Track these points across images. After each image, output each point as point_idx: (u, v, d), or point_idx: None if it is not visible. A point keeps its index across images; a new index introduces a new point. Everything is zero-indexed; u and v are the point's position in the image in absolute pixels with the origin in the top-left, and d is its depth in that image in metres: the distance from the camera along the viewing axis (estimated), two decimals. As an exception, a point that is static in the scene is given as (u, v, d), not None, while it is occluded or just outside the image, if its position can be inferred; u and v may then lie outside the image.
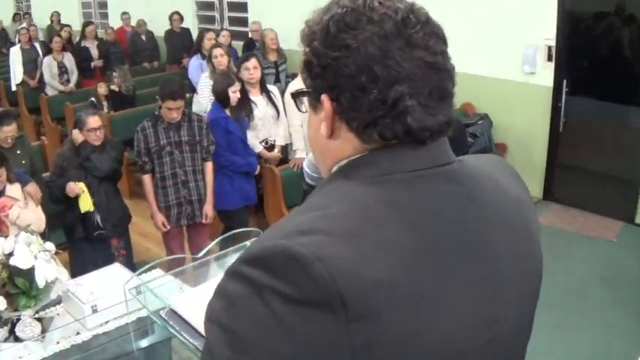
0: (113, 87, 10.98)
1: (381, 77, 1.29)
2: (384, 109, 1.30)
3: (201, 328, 2.10)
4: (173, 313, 2.22)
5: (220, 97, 6.77)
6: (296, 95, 1.53)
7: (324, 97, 1.36)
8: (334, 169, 1.44)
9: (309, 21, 1.44)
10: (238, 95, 6.75)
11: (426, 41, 1.33)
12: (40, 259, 3.46)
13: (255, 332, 1.19)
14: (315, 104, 1.43)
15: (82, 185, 6.00)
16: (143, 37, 15.08)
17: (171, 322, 2.18)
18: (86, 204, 6.04)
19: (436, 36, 1.36)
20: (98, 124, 6.08)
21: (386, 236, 1.24)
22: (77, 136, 6.09)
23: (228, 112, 6.75)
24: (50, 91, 12.68)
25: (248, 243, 2.85)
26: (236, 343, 1.21)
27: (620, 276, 6.76)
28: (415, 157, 1.35)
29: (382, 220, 1.26)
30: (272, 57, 10.75)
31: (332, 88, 1.35)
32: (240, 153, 6.79)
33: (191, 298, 2.32)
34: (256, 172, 7.07)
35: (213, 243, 2.80)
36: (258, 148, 7.31)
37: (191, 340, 2.09)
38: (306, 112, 1.49)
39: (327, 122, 1.39)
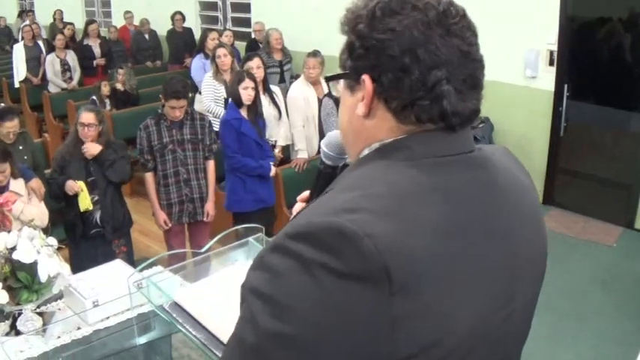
0: (118, 86, 10.99)
1: (422, 60, 1.37)
2: (423, 90, 1.38)
3: (204, 321, 2.13)
4: (176, 306, 2.23)
5: (233, 96, 6.75)
6: (332, 78, 1.59)
7: (366, 77, 1.43)
8: (365, 151, 1.51)
9: (351, 7, 1.50)
10: (250, 93, 6.64)
11: (463, 32, 1.42)
12: (42, 253, 3.49)
13: (300, 303, 1.24)
14: (353, 85, 1.49)
15: (81, 184, 6.00)
16: (146, 36, 15.11)
17: (174, 315, 2.20)
18: (85, 203, 6.05)
19: (470, 29, 1.45)
20: (90, 121, 6.02)
21: (424, 216, 1.31)
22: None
23: (243, 112, 6.68)
24: (53, 89, 12.72)
25: (251, 239, 2.88)
26: (280, 313, 1.26)
27: (620, 280, 6.77)
28: (446, 144, 1.44)
29: (420, 200, 1.34)
30: (277, 56, 10.81)
31: (373, 68, 1.42)
32: (254, 155, 6.71)
33: (194, 292, 2.33)
34: (271, 174, 6.90)
35: (215, 240, 2.82)
36: None
37: (194, 333, 2.11)
38: (338, 95, 1.56)
39: (367, 101, 1.44)
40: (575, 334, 5.80)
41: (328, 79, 1.61)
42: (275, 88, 7.84)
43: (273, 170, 6.83)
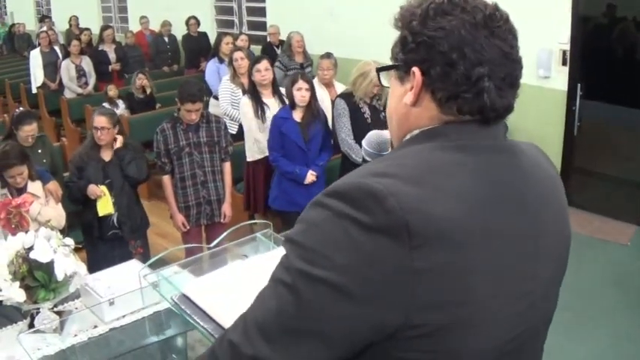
0: (135, 91, 11.06)
1: (468, 57, 1.52)
2: (467, 84, 1.53)
3: (213, 313, 2.18)
4: (185, 298, 2.28)
5: (288, 97, 6.76)
6: (385, 68, 1.74)
7: (416, 69, 1.58)
8: (407, 137, 1.66)
9: (405, 5, 1.65)
10: (304, 94, 6.62)
11: (505, 35, 1.57)
12: (59, 253, 3.54)
13: (329, 248, 1.40)
14: (403, 76, 1.64)
15: (103, 188, 6.07)
16: (166, 39, 15.16)
17: (182, 307, 2.24)
18: (106, 207, 6.10)
19: (512, 32, 1.60)
20: (102, 124, 6.08)
21: (448, 186, 1.45)
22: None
23: (296, 113, 6.68)
24: (68, 94, 12.80)
25: (259, 235, 2.93)
26: (313, 258, 1.41)
27: (633, 279, 6.74)
28: (479, 134, 1.58)
29: (446, 173, 1.48)
30: (298, 59, 10.87)
31: (423, 61, 1.57)
32: (295, 158, 6.72)
33: (203, 285, 2.38)
34: (306, 182, 6.74)
35: (225, 235, 2.86)
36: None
37: (202, 324, 2.15)
38: (387, 87, 1.73)
39: (416, 90, 1.59)
40: (589, 333, 5.79)
41: (380, 70, 1.76)
42: (284, 90, 7.80)
43: (309, 178, 6.73)
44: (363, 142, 2.08)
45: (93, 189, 6.04)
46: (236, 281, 2.37)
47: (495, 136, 1.62)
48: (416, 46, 1.57)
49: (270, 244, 2.90)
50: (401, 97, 1.64)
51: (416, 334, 1.40)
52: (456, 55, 1.52)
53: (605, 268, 7.03)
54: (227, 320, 2.05)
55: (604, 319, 6.03)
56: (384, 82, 1.76)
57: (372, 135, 2.06)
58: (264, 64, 7.48)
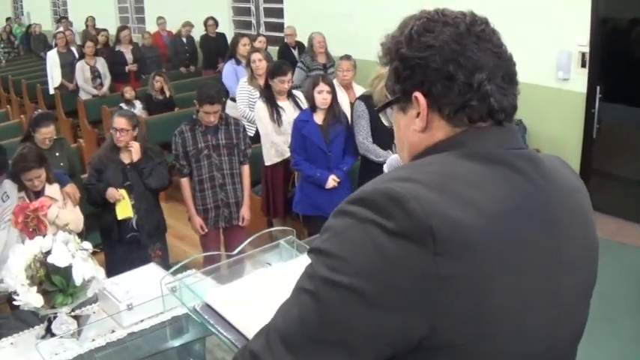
0: (154, 93, 11.04)
1: (464, 66, 1.54)
2: (471, 92, 1.54)
3: (236, 323, 2.16)
4: (207, 307, 2.26)
5: (308, 100, 6.75)
6: (385, 106, 1.77)
7: (417, 94, 1.58)
8: (423, 149, 1.64)
9: (386, 39, 1.68)
10: (325, 97, 6.57)
11: (490, 36, 1.60)
12: (77, 257, 3.53)
13: (355, 256, 1.38)
14: (404, 106, 1.65)
15: (123, 192, 6.07)
16: (184, 40, 15.19)
17: (205, 317, 2.23)
18: (125, 211, 6.11)
19: (495, 32, 1.63)
20: (122, 125, 6.09)
21: (471, 194, 1.44)
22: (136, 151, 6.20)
23: (317, 116, 6.64)
24: (84, 96, 12.84)
25: (282, 242, 2.90)
26: (337, 265, 1.39)
27: (652, 283, 6.72)
28: (496, 138, 1.58)
29: (470, 182, 1.46)
30: (320, 59, 10.88)
31: (422, 84, 1.58)
32: (317, 161, 6.68)
33: (226, 294, 2.36)
34: (328, 186, 6.66)
35: (248, 241, 2.83)
36: (288, 152, 7.18)
37: (225, 334, 2.13)
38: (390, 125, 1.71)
39: (423, 114, 1.59)
40: (608, 336, 5.76)
41: (380, 109, 1.78)
42: (298, 93, 7.77)
43: (330, 183, 6.65)
44: (385, 167, 2.07)
45: (112, 192, 6.06)
46: (259, 290, 2.35)
47: (515, 141, 1.62)
48: (411, 72, 1.59)
49: (293, 252, 2.86)
50: (408, 126, 1.65)
51: (440, 344, 1.38)
52: (452, 67, 1.53)
53: (622, 271, 6.98)
54: (250, 330, 2.03)
55: (622, 322, 5.99)
56: (385, 122, 1.79)
57: (394, 159, 2.05)
58: (289, 76, 7.45)
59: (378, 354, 1.40)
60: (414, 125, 1.62)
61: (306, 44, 11.55)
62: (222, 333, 2.15)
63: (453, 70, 1.53)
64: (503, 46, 1.62)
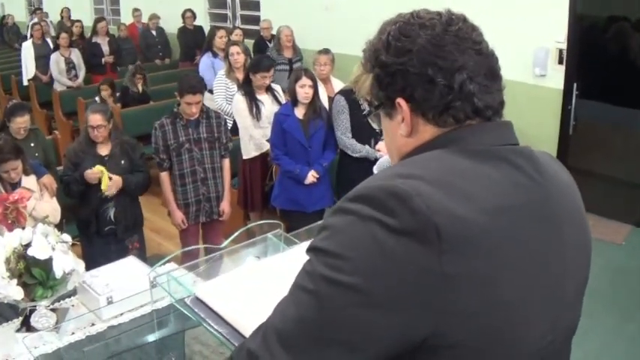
0: (132, 87, 10.99)
1: (443, 67, 1.53)
2: (452, 94, 1.53)
3: (227, 316, 2.15)
4: (198, 300, 2.25)
5: (290, 93, 6.69)
6: (371, 112, 1.77)
7: (400, 100, 1.59)
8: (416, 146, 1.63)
9: (366, 47, 1.69)
10: (307, 91, 6.50)
11: (469, 34, 1.58)
12: (57, 250, 3.51)
13: (356, 253, 1.36)
14: (390, 112, 1.65)
15: (99, 167, 5.97)
16: (154, 32, 15.14)
17: (196, 310, 2.22)
18: (107, 183, 6.06)
19: (474, 29, 1.61)
20: (98, 122, 6.01)
21: (473, 190, 1.43)
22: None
23: (298, 110, 6.59)
24: (59, 87, 12.79)
25: (270, 235, 2.89)
26: (334, 262, 1.38)
27: (628, 279, 6.76)
28: (490, 134, 1.58)
29: (471, 179, 1.45)
30: (287, 54, 10.84)
31: (404, 89, 1.57)
32: (296, 156, 6.61)
33: (216, 286, 2.35)
34: (307, 182, 6.61)
35: (234, 236, 2.82)
36: (266, 145, 7.17)
37: (216, 327, 2.11)
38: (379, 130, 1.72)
39: (407, 120, 1.60)
40: (585, 333, 5.75)
41: (369, 114, 1.79)
42: (276, 87, 7.74)
43: (309, 178, 6.59)
44: (375, 168, 2.08)
45: (91, 173, 5.96)
46: (250, 283, 2.34)
47: (509, 137, 1.61)
48: (392, 78, 1.59)
49: (280, 245, 2.86)
50: (395, 131, 1.65)
51: (444, 343, 1.37)
52: (432, 70, 1.53)
53: (599, 267, 6.97)
54: (241, 323, 2.03)
55: (599, 318, 6.03)
56: (375, 126, 1.79)
57: (384, 161, 2.05)
58: (272, 72, 7.47)
59: (379, 353, 1.38)
60: (400, 130, 1.62)
61: (277, 38, 11.50)
62: (212, 326, 2.14)
63: (432, 73, 1.53)
64: (484, 42, 1.61)
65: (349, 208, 1.41)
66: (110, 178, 6.03)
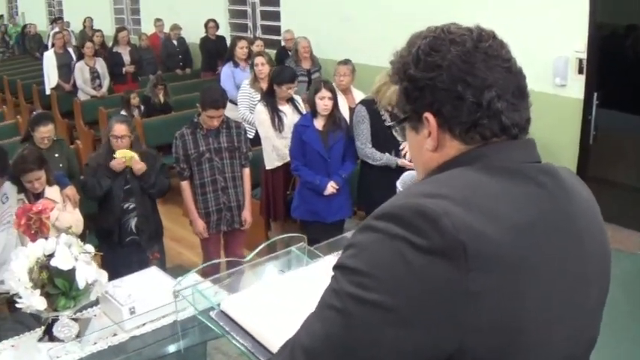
0: (154, 97, 11.06)
1: (473, 85, 1.53)
2: (480, 111, 1.54)
3: (251, 330, 2.16)
4: (223, 314, 2.26)
5: (310, 105, 6.70)
6: (397, 123, 1.76)
7: (427, 114, 1.58)
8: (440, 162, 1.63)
9: (395, 58, 1.68)
10: (326, 103, 6.52)
11: (499, 51, 1.59)
12: (80, 260, 3.54)
13: (384, 272, 1.36)
14: (416, 125, 1.65)
15: (121, 152, 6.01)
16: (175, 42, 15.19)
17: (221, 323, 2.23)
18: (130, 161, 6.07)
19: (503, 46, 1.62)
20: (122, 132, 6.05)
21: (498, 208, 1.43)
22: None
23: (317, 122, 6.59)
24: (82, 96, 12.81)
25: (293, 248, 2.90)
26: (362, 280, 1.38)
27: (646, 288, 6.74)
28: (515, 152, 1.58)
29: (496, 197, 1.46)
30: (305, 65, 10.79)
31: (432, 104, 1.57)
32: (316, 167, 6.63)
33: (241, 300, 2.36)
34: (326, 193, 6.60)
35: (257, 251, 2.81)
36: (289, 156, 7.09)
37: (241, 341, 2.12)
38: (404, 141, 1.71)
39: (434, 134, 1.59)
40: (600, 343, 5.77)
41: (393, 126, 1.78)
42: (297, 97, 7.77)
43: (329, 189, 6.59)
44: (398, 184, 2.07)
45: (115, 163, 6.01)
46: (274, 297, 2.36)
47: (531, 154, 1.62)
48: (420, 93, 1.59)
49: (304, 258, 2.85)
50: (421, 145, 1.65)
51: (469, 359, 1.37)
52: (461, 86, 1.53)
53: (616, 277, 6.95)
54: (266, 337, 2.05)
55: (615, 327, 5.97)
56: (400, 138, 1.79)
57: (407, 177, 2.05)
58: (296, 83, 7.51)
59: None
60: (426, 145, 1.62)
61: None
62: (237, 340, 2.15)
63: (461, 89, 1.52)
64: (513, 59, 1.61)
65: (376, 226, 1.41)
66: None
